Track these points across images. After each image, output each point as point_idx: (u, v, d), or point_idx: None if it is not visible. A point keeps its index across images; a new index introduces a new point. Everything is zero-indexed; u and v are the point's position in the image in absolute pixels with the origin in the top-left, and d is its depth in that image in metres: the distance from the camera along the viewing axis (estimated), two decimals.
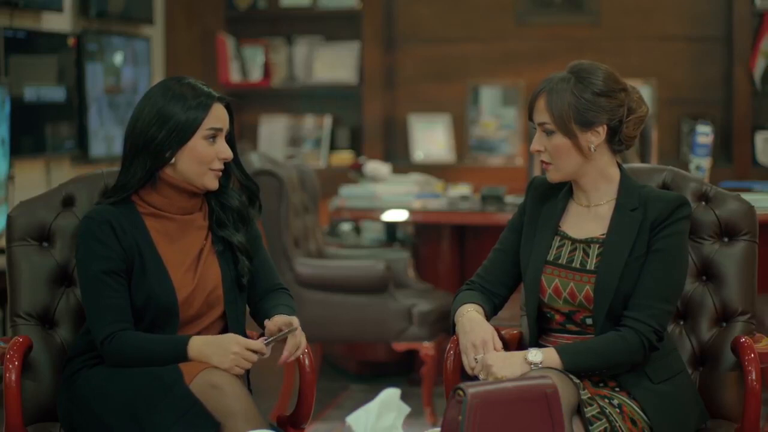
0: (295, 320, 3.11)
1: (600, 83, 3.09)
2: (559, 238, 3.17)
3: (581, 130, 3.09)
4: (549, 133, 3.10)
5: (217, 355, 3.01)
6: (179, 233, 3.17)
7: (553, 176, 3.15)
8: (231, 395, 2.96)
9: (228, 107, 3.18)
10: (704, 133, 5.32)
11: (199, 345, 3.04)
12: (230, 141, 3.19)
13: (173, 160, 3.11)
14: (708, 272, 3.34)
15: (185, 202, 3.17)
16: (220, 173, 3.16)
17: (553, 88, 3.09)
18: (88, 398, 3.06)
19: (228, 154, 3.15)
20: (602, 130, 3.10)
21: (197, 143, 3.11)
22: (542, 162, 3.15)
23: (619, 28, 7.48)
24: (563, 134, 3.09)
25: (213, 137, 3.13)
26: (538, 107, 3.12)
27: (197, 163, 3.12)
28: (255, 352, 3.03)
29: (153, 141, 3.10)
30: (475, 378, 3.03)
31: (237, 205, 3.23)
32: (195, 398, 2.94)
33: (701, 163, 5.31)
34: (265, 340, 3.06)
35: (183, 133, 3.10)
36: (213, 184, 3.16)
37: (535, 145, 3.14)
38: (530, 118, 3.16)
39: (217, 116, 3.14)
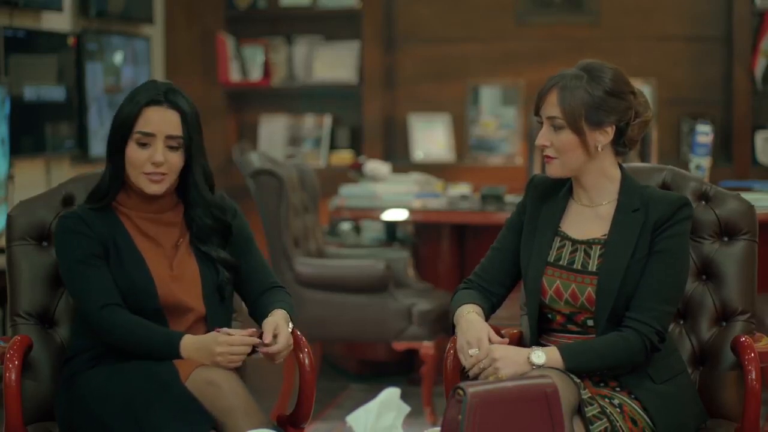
0: (280, 333, 3.10)
1: (612, 83, 3.09)
2: (559, 239, 3.17)
3: (590, 129, 3.08)
4: (557, 128, 3.09)
5: (204, 358, 3.02)
6: (152, 229, 3.19)
7: (556, 171, 3.14)
8: (228, 391, 2.96)
9: (183, 114, 3.10)
10: (704, 133, 5.32)
11: (189, 346, 3.05)
12: (191, 151, 3.12)
13: (117, 162, 3.13)
14: (708, 272, 3.34)
15: (150, 204, 3.18)
16: (157, 178, 3.11)
17: (566, 84, 3.08)
18: (88, 399, 3.06)
19: (158, 158, 3.09)
20: (611, 131, 3.10)
21: (129, 146, 3.11)
22: (546, 156, 3.14)
23: (618, 28, 7.48)
24: (572, 131, 3.08)
25: (143, 143, 3.10)
26: (548, 101, 3.10)
27: (130, 167, 3.12)
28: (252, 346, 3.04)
29: (108, 143, 3.15)
30: (473, 378, 3.03)
31: (209, 223, 3.20)
32: (191, 396, 2.94)
33: (701, 163, 5.31)
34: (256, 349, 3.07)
35: (117, 135, 3.12)
36: (150, 188, 3.12)
37: (541, 140, 3.12)
38: (536, 112, 3.14)
39: (150, 120, 3.10)
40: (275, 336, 3.08)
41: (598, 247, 3.12)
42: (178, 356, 3.04)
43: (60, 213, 3.21)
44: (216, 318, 3.17)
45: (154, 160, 3.09)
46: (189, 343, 3.05)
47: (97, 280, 3.09)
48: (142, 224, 3.18)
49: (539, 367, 2.97)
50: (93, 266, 3.10)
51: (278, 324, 3.11)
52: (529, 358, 2.99)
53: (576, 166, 3.13)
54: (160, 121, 3.09)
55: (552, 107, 3.09)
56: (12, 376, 3.10)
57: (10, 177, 5.33)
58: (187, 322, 3.15)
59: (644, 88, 7.24)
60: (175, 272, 3.15)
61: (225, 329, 3.07)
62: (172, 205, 3.21)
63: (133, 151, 3.10)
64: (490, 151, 7.54)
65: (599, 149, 3.11)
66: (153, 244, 3.17)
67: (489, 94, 7.59)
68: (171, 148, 3.11)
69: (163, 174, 3.11)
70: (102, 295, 3.08)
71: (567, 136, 3.09)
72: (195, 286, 3.16)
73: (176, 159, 3.12)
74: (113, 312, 3.07)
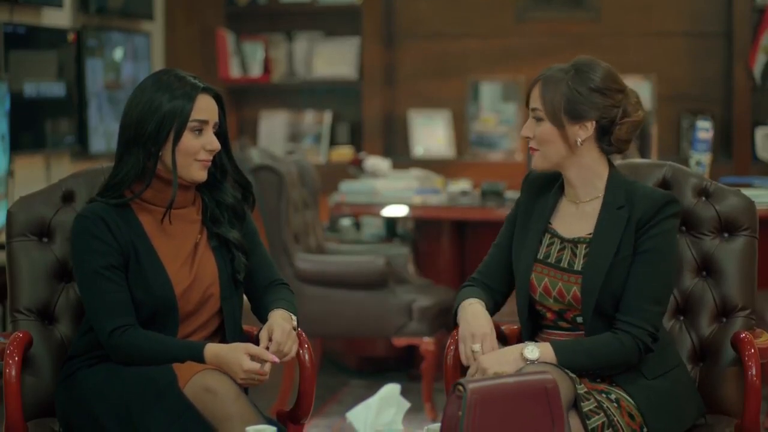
0: (274, 331, 3.09)
1: (598, 79, 3.11)
2: (549, 236, 3.18)
3: (570, 122, 3.10)
4: (538, 119, 3.13)
5: (227, 371, 3.01)
6: (173, 227, 3.16)
7: (538, 163, 3.17)
8: (226, 399, 2.94)
9: (218, 98, 3.16)
10: (704, 129, 5.33)
11: (212, 359, 3.03)
12: (221, 133, 3.17)
13: (161, 153, 3.10)
14: (708, 268, 3.34)
15: (177, 196, 3.15)
16: (208, 164, 3.14)
17: (550, 78, 3.12)
18: (86, 398, 3.06)
19: (215, 145, 3.12)
20: (590, 126, 3.11)
21: (184, 135, 3.09)
22: (530, 148, 3.18)
23: (619, 24, 7.48)
24: (551, 122, 3.11)
25: (199, 129, 3.11)
26: (533, 93, 3.15)
27: (183, 155, 3.10)
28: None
29: (143, 135, 3.08)
30: (468, 368, 3.04)
31: (231, 201, 3.21)
32: (188, 402, 2.93)
33: (701, 159, 5.31)
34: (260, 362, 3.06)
35: (169, 126, 3.08)
36: (200, 175, 3.13)
37: (525, 131, 3.17)
38: (527, 104, 3.18)
39: (203, 108, 3.11)
40: (270, 339, 3.09)
41: (584, 246, 3.13)
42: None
43: (79, 210, 3.15)
44: (230, 306, 3.17)
45: (212, 147, 3.12)
46: (212, 354, 3.04)
47: (111, 295, 3.06)
48: (164, 221, 3.15)
49: (533, 362, 2.98)
50: (109, 279, 3.07)
51: (270, 325, 3.11)
52: (522, 353, 3.00)
53: (557, 160, 3.15)
54: (209, 108, 3.12)
55: (535, 99, 3.14)
56: (12, 372, 3.10)
57: (10, 173, 5.33)
58: (201, 319, 3.15)
59: (644, 84, 7.24)
60: (194, 274, 3.14)
61: (248, 348, 3.03)
62: (194, 199, 3.20)
63: (188, 140, 3.09)
64: (490, 147, 7.54)
65: (579, 143, 3.12)
66: (173, 244, 3.14)
67: (489, 90, 7.59)
68: (214, 133, 3.15)
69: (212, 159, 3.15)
70: (114, 315, 3.05)
71: (546, 128, 3.12)
72: (213, 284, 3.16)
73: (218, 143, 3.15)
74: (124, 334, 3.05)
